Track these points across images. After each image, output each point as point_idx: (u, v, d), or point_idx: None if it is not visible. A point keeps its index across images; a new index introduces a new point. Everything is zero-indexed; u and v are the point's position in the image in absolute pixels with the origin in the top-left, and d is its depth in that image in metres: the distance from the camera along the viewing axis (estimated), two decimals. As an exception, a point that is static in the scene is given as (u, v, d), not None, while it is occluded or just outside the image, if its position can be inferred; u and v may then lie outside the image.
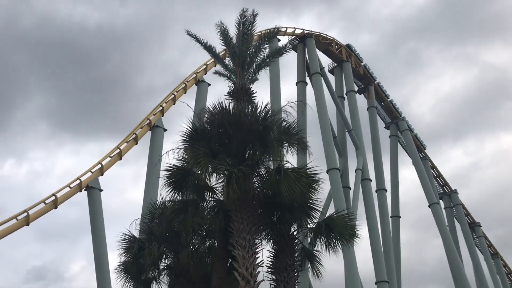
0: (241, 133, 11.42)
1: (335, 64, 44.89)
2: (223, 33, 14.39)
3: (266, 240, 12.40)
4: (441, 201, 51.44)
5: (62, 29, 74.16)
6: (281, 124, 11.68)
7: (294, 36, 40.43)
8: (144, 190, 27.04)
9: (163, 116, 29.86)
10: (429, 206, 45.01)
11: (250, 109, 11.88)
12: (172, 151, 11.50)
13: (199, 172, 11.23)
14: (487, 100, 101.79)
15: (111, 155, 27.04)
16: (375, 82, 47.16)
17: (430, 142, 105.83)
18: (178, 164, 11.65)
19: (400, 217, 46.01)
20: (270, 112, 11.71)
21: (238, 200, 11.13)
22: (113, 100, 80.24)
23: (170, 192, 11.96)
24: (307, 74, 40.32)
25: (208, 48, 14.79)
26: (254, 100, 13.08)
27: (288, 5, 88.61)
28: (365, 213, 36.71)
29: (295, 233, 12.34)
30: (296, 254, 12.20)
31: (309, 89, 39.33)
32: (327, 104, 38.17)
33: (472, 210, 56.30)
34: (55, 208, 24.25)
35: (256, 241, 11.49)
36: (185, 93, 31.38)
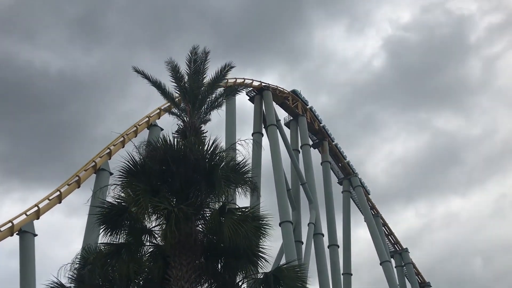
0: (186, 171, 10.53)
1: (291, 117, 45.22)
2: (174, 69, 13.74)
3: (209, 290, 11.30)
4: (392, 259, 51.20)
5: (21, 73, 71.67)
6: (230, 162, 10.88)
7: (251, 88, 40.62)
8: (84, 235, 25.20)
9: (110, 159, 28.49)
10: (380, 264, 44.61)
11: (197, 146, 11.06)
12: (108, 187, 10.44)
13: (136, 211, 10.15)
14: (438, 164, 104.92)
15: (50, 198, 25.23)
16: (321, 125, 47.12)
17: (383, 202, 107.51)
18: (113, 202, 10.54)
19: (351, 274, 45.26)
20: (219, 149, 10.92)
21: (177, 244, 10.08)
22: (67, 148, 76.93)
23: (104, 234, 10.80)
24: (263, 126, 40.34)
25: (157, 85, 13.95)
26: (204, 141, 12.38)
27: (251, 64, 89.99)
28: (316, 268, 35.81)
29: (240, 283, 11.32)
30: (241, 307, 11.14)
31: (265, 141, 39.18)
32: (282, 156, 38.02)
33: (422, 270, 56.31)
34: (-19, 253, 22.08)
35: (196, 290, 10.39)
36: (135, 136, 30.17)
